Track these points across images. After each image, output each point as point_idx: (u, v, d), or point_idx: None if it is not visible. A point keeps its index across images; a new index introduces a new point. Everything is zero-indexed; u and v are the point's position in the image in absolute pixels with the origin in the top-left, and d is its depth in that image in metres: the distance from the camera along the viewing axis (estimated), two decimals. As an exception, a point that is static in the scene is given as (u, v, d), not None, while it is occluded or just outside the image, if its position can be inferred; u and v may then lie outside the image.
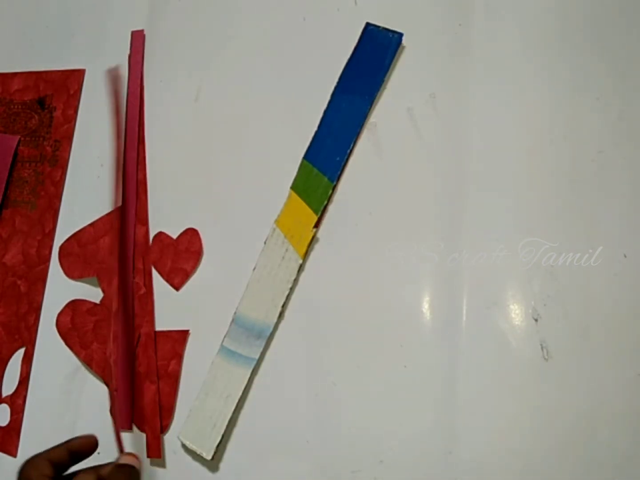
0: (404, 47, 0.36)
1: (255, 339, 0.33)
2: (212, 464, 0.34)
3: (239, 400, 0.33)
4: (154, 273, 0.37)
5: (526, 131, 0.34)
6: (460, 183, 0.34)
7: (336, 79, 0.36)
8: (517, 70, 0.35)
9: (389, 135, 0.35)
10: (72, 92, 0.42)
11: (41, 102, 0.43)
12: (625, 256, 0.31)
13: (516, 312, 0.31)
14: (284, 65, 0.38)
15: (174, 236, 0.37)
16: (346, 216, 0.35)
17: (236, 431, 0.34)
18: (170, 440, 0.35)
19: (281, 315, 0.34)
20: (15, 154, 0.42)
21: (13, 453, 0.37)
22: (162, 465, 0.35)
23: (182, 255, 0.37)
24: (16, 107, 0.44)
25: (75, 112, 0.42)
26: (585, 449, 0.29)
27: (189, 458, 0.34)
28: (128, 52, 0.42)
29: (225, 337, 0.34)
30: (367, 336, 0.33)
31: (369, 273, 0.34)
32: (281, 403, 0.34)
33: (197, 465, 0.34)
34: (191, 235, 0.37)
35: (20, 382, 0.38)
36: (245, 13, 0.40)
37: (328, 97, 0.36)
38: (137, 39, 0.42)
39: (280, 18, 0.39)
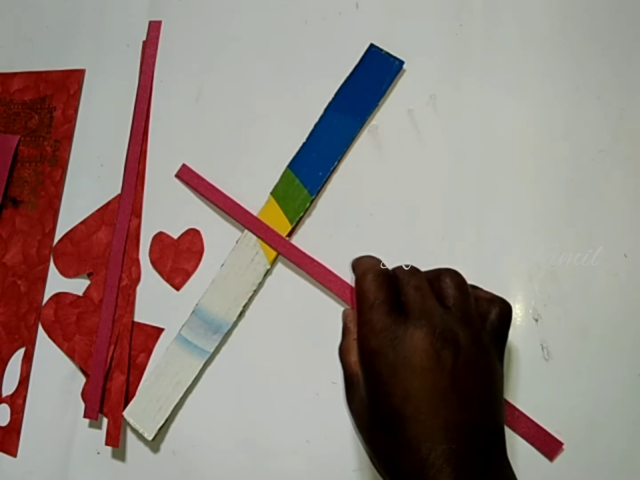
0: (404, 48, 0.36)
1: (213, 333, 0.34)
2: (213, 465, 0.34)
3: (188, 389, 0.34)
4: (153, 272, 0.37)
5: (526, 131, 0.34)
6: (460, 183, 0.34)
7: (336, 85, 0.36)
8: (517, 70, 0.35)
9: (390, 136, 0.35)
10: (72, 92, 0.42)
11: (41, 102, 0.43)
12: (625, 256, 0.31)
13: (516, 312, 0.32)
14: (285, 68, 0.38)
15: (175, 236, 0.37)
16: (346, 217, 0.35)
17: (235, 432, 0.34)
18: (170, 440, 0.35)
19: (242, 314, 0.35)
20: (15, 154, 0.42)
21: (13, 453, 0.37)
22: (161, 465, 0.35)
23: (184, 256, 0.37)
24: (16, 107, 0.44)
25: (75, 112, 0.42)
26: (584, 449, 0.29)
27: (188, 458, 0.34)
28: (128, 52, 0.42)
29: (183, 326, 0.35)
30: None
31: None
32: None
33: (197, 465, 0.34)
34: (192, 236, 0.37)
35: (20, 382, 0.38)
36: (247, 15, 0.40)
37: (325, 102, 0.36)
38: (154, 30, 0.41)
39: (282, 20, 0.39)
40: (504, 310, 0.26)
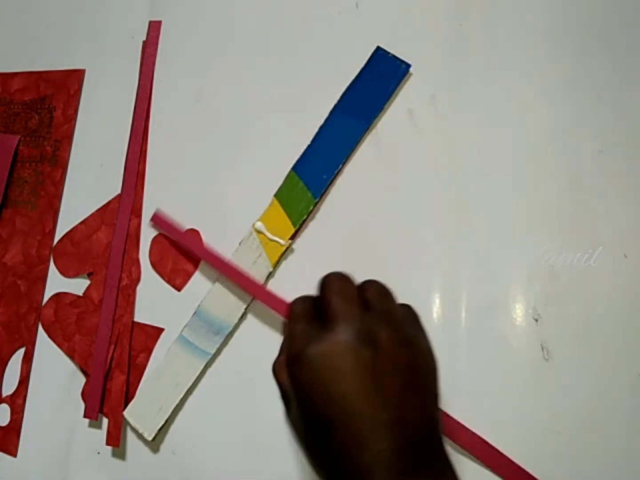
0: (403, 47, 0.36)
1: (214, 334, 0.34)
2: (213, 465, 0.34)
3: (188, 389, 0.34)
4: (153, 272, 0.37)
5: (526, 131, 0.34)
6: (460, 183, 0.34)
7: (335, 85, 0.36)
8: (517, 70, 0.35)
9: (390, 136, 0.35)
10: (72, 92, 0.42)
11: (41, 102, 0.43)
12: (625, 256, 0.31)
13: (516, 312, 0.32)
14: (285, 68, 0.38)
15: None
16: (350, 220, 0.35)
17: (235, 433, 0.34)
18: (170, 440, 0.35)
19: (243, 316, 0.35)
20: (15, 154, 0.42)
21: (13, 453, 0.37)
22: (161, 465, 0.35)
23: (183, 256, 0.37)
24: (16, 107, 0.44)
25: (75, 112, 0.42)
26: (585, 449, 0.29)
27: (188, 458, 0.34)
28: (128, 52, 0.42)
29: (185, 327, 0.35)
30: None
31: (369, 273, 0.34)
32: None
33: (197, 465, 0.34)
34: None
35: (20, 382, 0.38)
36: (246, 15, 0.40)
37: (326, 103, 0.36)
38: (154, 30, 0.41)
39: (282, 20, 0.39)
40: (408, 309, 0.26)
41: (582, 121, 0.33)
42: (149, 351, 0.36)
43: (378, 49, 0.36)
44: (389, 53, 0.35)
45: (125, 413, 0.35)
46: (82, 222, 0.40)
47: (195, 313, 0.35)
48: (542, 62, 0.34)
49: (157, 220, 0.37)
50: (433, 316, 0.32)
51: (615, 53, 0.34)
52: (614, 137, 0.33)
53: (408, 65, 0.35)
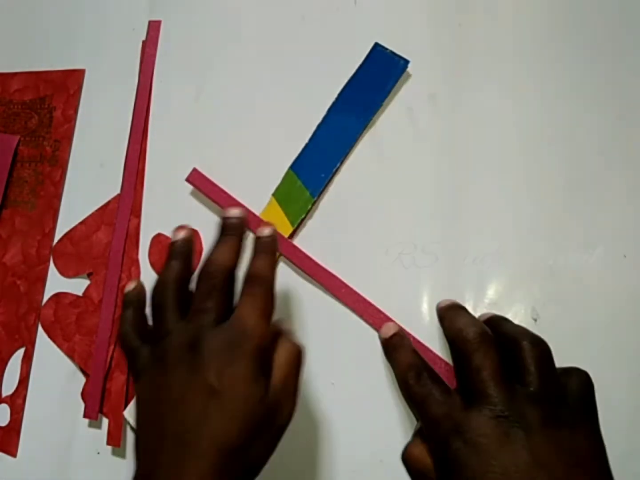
0: (402, 47, 0.36)
1: None
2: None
3: None
4: (153, 272, 0.37)
5: (526, 131, 0.34)
6: (460, 183, 0.34)
7: (334, 83, 0.36)
8: (516, 70, 0.35)
9: (390, 135, 0.35)
10: (72, 92, 0.42)
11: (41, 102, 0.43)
12: (625, 256, 0.31)
13: (516, 312, 0.31)
14: (283, 66, 0.38)
15: (174, 236, 0.37)
16: (348, 219, 0.35)
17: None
18: (170, 440, 0.35)
19: None
20: (15, 154, 0.42)
21: (13, 453, 0.37)
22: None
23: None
24: (16, 107, 0.44)
25: (75, 112, 0.42)
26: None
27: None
28: (128, 52, 0.42)
29: None
30: (366, 337, 0.33)
31: (369, 273, 0.34)
32: None
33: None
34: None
35: (20, 382, 0.38)
36: (246, 13, 0.40)
37: (324, 101, 0.36)
38: (154, 30, 0.41)
39: (280, 17, 0.39)
40: (583, 378, 0.24)
41: (582, 121, 0.33)
42: (148, 351, 0.36)
43: (376, 45, 0.36)
44: (387, 49, 0.35)
45: (125, 413, 0.35)
46: (81, 222, 0.40)
47: None
48: (542, 62, 0.34)
49: (195, 178, 0.37)
50: (433, 317, 0.32)
51: (616, 53, 0.34)
52: (614, 137, 0.33)
53: (407, 61, 0.35)
